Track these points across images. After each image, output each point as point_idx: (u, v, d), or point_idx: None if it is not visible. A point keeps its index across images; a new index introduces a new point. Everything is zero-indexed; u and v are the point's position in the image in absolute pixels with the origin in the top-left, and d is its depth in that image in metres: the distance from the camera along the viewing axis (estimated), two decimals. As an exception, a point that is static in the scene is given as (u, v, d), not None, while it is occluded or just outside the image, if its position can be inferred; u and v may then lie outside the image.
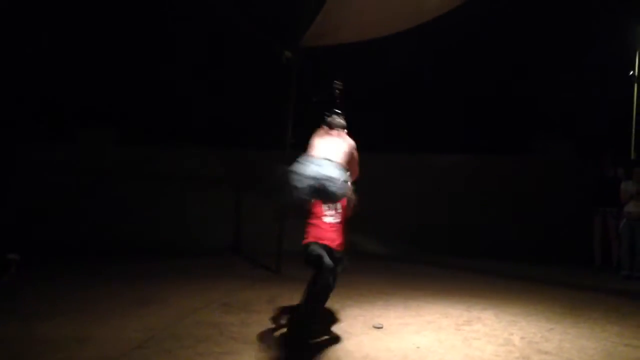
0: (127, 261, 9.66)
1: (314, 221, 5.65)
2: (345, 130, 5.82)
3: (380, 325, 5.96)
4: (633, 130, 15.34)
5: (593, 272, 9.85)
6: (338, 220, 5.69)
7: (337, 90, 5.97)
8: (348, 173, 5.40)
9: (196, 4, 12.31)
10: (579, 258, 10.48)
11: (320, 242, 5.55)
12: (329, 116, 5.85)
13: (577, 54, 14.44)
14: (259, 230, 10.83)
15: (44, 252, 9.72)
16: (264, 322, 6.02)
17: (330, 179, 4.96)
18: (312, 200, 5.33)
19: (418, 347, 5.31)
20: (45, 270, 8.64)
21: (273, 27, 9.27)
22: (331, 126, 5.78)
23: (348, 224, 5.74)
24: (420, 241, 11.32)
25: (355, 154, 5.68)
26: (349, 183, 5.42)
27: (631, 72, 13.04)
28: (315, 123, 5.86)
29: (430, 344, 5.44)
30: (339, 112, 5.89)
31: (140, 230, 11.09)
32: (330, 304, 6.78)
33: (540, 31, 14.42)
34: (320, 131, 5.77)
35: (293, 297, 7.14)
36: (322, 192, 4.99)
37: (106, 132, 11.83)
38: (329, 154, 5.35)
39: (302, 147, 5.79)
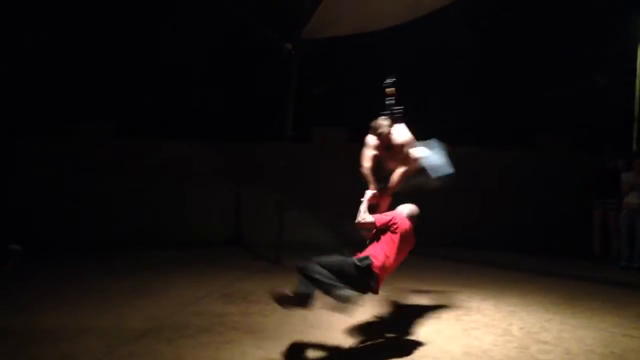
0: (127, 253, 9.70)
1: None
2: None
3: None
4: (635, 122, 15.34)
5: (592, 263, 9.88)
6: None
7: (390, 88, 5.95)
8: None
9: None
10: (579, 249, 10.52)
11: None
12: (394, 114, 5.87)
13: (577, 47, 14.43)
14: (259, 222, 10.88)
15: (44, 244, 9.76)
16: (265, 312, 6.06)
17: None
18: None
19: (417, 338, 5.34)
20: (46, 263, 8.69)
21: (274, 20, 9.27)
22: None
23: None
24: (418, 233, 11.32)
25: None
26: None
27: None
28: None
29: (429, 334, 5.47)
30: (397, 110, 5.90)
31: (140, 223, 11.13)
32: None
33: (541, 26, 14.40)
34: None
35: (293, 288, 7.18)
36: None
37: (105, 124, 11.82)
38: None
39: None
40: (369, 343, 5.17)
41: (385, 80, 5.97)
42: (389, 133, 5.60)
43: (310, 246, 10.22)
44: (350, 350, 4.97)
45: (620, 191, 9.63)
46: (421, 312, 6.28)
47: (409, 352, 4.92)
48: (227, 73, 13.63)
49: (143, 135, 11.91)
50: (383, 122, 5.62)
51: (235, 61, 13.65)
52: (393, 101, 5.90)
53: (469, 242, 11.16)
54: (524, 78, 14.33)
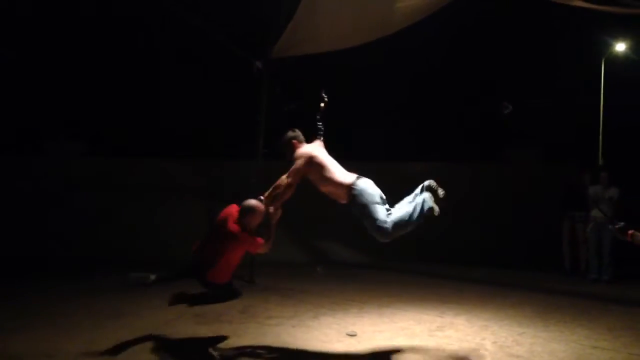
0: (97, 273, 9.50)
1: None
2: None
3: (354, 333, 5.98)
4: (600, 136, 15.67)
5: (562, 276, 10.00)
6: None
7: (322, 103, 5.92)
8: None
9: (167, 16, 12.27)
10: (549, 262, 10.63)
11: None
12: (320, 128, 5.78)
13: (544, 65, 14.72)
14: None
15: (12, 265, 9.57)
16: (237, 333, 6.01)
17: None
18: None
19: (391, 354, 5.34)
20: (15, 284, 8.50)
21: (244, 38, 9.29)
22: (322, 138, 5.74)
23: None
24: (389, 249, 11.35)
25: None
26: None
27: None
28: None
29: (403, 350, 5.47)
30: (320, 124, 5.83)
31: (110, 242, 10.98)
32: (305, 312, 6.81)
33: (507, 43, 14.69)
34: (317, 143, 5.71)
35: (266, 307, 7.15)
36: None
37: (74, 144, 11.70)
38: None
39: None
40: (343, 361, 5.15)
41: (321, 94, 5.95)
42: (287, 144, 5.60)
43: (284, 265, 10.22)
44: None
45: (587, 204, 9.77)
46: (395, 328, 6.28)
47: (383, 370, 4.91)
48: (197, 92, 13.61)
49: (112, 155, 11.82)
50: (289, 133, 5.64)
51: (206, 80, 13.65)
52: (320, 117, 5.87)
53: (438, 257, 11.20)
54: (491, 92, 14.58)
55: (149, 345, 5.54)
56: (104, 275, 9.42)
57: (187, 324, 6.34)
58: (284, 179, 5.51)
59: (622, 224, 4.02)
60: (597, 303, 7.81)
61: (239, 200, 5.67)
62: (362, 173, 5.50)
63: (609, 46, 16.10)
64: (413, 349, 5.49)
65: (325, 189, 5.44)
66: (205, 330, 6.07)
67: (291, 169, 5.46)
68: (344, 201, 5.34)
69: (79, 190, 11.08)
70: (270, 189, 5.60)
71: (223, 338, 5.80)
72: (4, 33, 12.55)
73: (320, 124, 5.78)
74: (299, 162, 5.42)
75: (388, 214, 5.15)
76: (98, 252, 10.75)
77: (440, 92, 14.66)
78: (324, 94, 5.84)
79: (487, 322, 6.51)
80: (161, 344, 5.58)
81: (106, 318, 6.53)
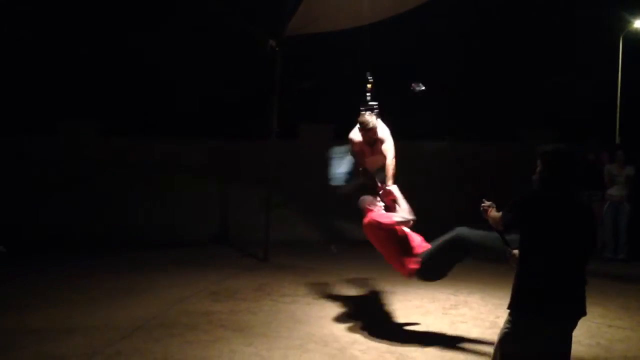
0: (112, 253, 9.62)
1: None
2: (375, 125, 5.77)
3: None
4: (617, 115, 15.48)
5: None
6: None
7: (369, 84, 6.00)
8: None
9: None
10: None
11: None
12: (376, 107, 5.92)
13: (560, 42, 14.53)
14: (246, 220, 10.82)
15: (28, 245, 9.69)
16: (252, 310, 6.05)
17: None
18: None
19: (406, 332, 5.37)
20: (32, 263, 8.61)
21: (257, 17, 9.24)
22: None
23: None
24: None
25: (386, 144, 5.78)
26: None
27: None
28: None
29: (417, 328, 5.50)
30: (374, 105, 5.95)
31: (125, 222, 11.04)
32: (319, 290, 6.84)
33: (523, 21, 14.51)
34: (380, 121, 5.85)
35: (281, 285, 7.19)
36: None
37: (88, 123, 11.71)
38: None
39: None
40: (357, 338, 5.17)
41: (365, 75, 6.02)
42: (375, 128, 5.64)
43: (298, 243, 10.26)
44: (338, 345, 4.97)
45: (603, 183, 9.70)
46: (409, 306, 6.30)
47: (397, 346, 4.93)
48: (211, 71, 13.59)
49: (126, 133, 11.83)
50: (369, 117, 5.66)
51: (220, 59, 13.62)
52: (370, 96, 5.95)
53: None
54: (507, 72, 14.44)
55: (165, 321, 5.60)
56: (119, 253, 9.53)
57: (203, 301, 6.40)
58: (392, 159, 5.77)
59: (488, 203, 3.91)
60: (612, 282, 7.77)
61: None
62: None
63: (627, 23, 15.84)
64: (427, 327, 5.51)
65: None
66: (220, 307, 6.12)
67: (391, 148, 5.80)
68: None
69: (93, 170, 11.12)
70: (391, 174, 5.74)
71: (238, 315, 5.84)
72: (19, 13, 12.58)
73: (375, 103, 5.94)
74: (391, 140, 5.82)
75: None
76: (112, 231, 10.82)
77: (455, 70, 14.53)
78: (369, 76, 5.95)
79: (501, 301, 6.48)
80: (177, 320, 5.63)
81: (122, 295, 6.61)
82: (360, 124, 5.72)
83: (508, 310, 3.32)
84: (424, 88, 5.68)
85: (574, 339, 5.13)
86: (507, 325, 3.29)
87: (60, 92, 12.80)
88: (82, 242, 10.38)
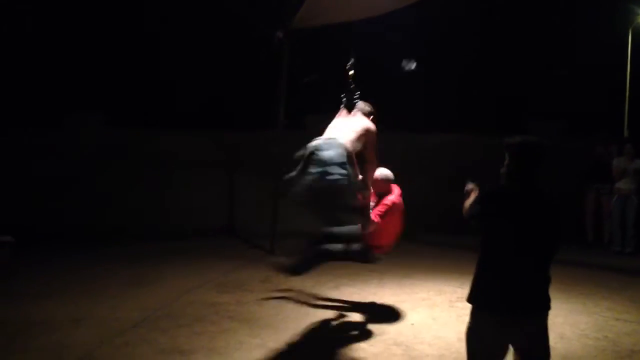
0: (120, 243, 9.63)
1: None
2: (368, 115, 5.53)
3: None
4: (626, 107, 15.40)
5: (585, 248, 9.91)
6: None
7: (350, 71, 5.85)
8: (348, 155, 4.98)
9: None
10: (571, 235, 10.54)
11: None
12: (350, 100, 5.68)
13: (569, 34, 14.44)
14: (252, 212, 10.82)
15: (37, 236, 9.72)
16: (259, 302, 6.06)
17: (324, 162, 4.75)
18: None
19: (412, 324, 5.37)
20: (39, 254, 8.64)
21: (264, 9, 9.21)
22: (350, 109, 5.64)
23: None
24: (411, 220, 11.32)
25: (371, 138, 5.29)
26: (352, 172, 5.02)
27: None
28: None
29: (424, 320, 5.50)
30: (356, 94, 5.71)
31: (131, 214, 11.02)
32: (326, 282, 6.84)
33: (530, 12, 14.42)
34: (340, 113, 5.66)
35: (287, 277, 7.18)
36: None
37: (92, 115, 11.71)
38: (336, 134, 5.10)
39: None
40: (364, 330, 5.18)
41: (347, 62, 5.85)
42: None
43: (304, 235, 10.24)
44: (345, 336, 4.98)
45: (612, 177, 9.66)
46: (415, 299, 6.30)
47: (404, 339, 4.94)
48: (217, 63, 13.56)
49: (131, 125, 11.81)
50: (366, 105, 5.56)
51: (226, 50, 13.59)
52: (353, 85, 5.77)
53: (460, 229, 11.14)
54: (514, 64, 14.36)
55: (172, 312, 5.62)
56: (125, 244, 9.55)
57: (210, 293, 6.41)
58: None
59: (471, 186, 3.78)
60: (620, 275, 7.75)
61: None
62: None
63: (635, 15, 15.72)
64: (434, 320, 5.51)
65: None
66: (227, 299, 6.14)
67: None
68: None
69: (97, 163, 11.11)
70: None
71: (245, 306, 5.86)
72: (21, 4, 12.57)
73: (358, 92, 5.74)
74: None
75: None
76: (118, 222, 10.82)
77: (459, 62, 14.46)
78: (350, 64, 5.82)
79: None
80: (184, 311, 5.65)
81: (129, 286, 6.63)
82: (368, 112, 5.53)
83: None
84: (414, 66, 5.49)
85: (580, 333, 5.17)
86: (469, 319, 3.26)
87: (65, 85, 12.79)
88: (87, 234, 10.40)
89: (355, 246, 5.47)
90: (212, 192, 11.46)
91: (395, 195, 5.66)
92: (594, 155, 10.23)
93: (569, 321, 5.47)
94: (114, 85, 13.12)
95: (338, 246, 5.48)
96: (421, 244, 9.94)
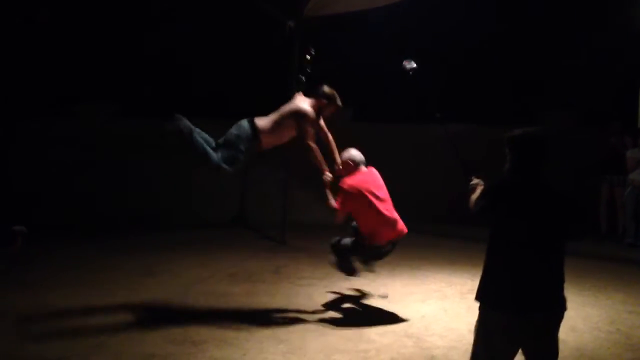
0: (131, 234, 9.63)
1: None
2: (323, 97, 5.72)
3: (385, 295, 5.99)
4: (639, 98, 15.20)
5: (598, 240, 9.82)
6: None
7: (307, 57, 5.96)
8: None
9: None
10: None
11: None
12: (300, 83, 5.99)
13: (583, 22, 14.27)
14: (263, 202, 10.82)
15: (47, 226, 9.77)
16: (270, 292, 6.07)
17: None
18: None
19: (423, 316, 5.36)
20: (50, 244, 8.67)
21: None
22: (305, 92, 5.86)
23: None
24: (421, 211, 11.27)
25: (300, 118, 5.69)
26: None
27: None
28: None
29: (435, 312, 5.49)
30: (302, 78, 6.02)
31: (143, 204, 11.04)
32: (336, 273, 6.83)
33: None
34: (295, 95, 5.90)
35: (298, 267, 7.20)
36: None
37: (106, 105, 11.73)
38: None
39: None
40: (374, 321, 5.17)
41: (310, 49, 6.09)
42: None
43: (315, 226, 10.24)
44: (357, 327, 4.98)
45: (625, 168, 9.58)
46: (426, 290, 6.28)
47: (415, 330, 4.93)
48: (228, 52, 13.52)
49: (143, 115, 11.80)
50: (323, 88, 5.62)
51: (237, 40, 13.54)
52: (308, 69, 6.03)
53: (471, 220, 11.08)
54: (527, 52, 14.21)
55: (183, 302, 5.64)
56: (136, 235, 9.56)
57: (221, 283, 6.43)
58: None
59: (476, 181, 3.76)
60: (633, 268, 7.69)
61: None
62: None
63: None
64: (445, 312, 5.50)
65: None
66: (238, 289, 6.16)
67: None
68: None
69: (110, 152, 11.14)
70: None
71: (255, 297, 5.87)
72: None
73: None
74: None
75: None
76: (130, 212, 10.85)
77: (470, 50, 14.31)
78: (311, 52, 6.04)
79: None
80: (195, 301, 5.67)
81: (141, 276, 6.66)
82: (331, 96, 5.68)
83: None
84: (415, 66, 5.52)
85: (592, 325, 5.14)
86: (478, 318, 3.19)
87: (78, 75, 12.79)
88: (100, 224, 10.44)
89: (347, 240, 5.59)
90: (223, 182, 11.45)
91: (355, 179, 5.53)
92: (608, 146, 10.14)
93: (581, 314, 5.43)
94: (126, 76, 13.11)
95: (347, 240, 5.58)
96: (435, 235, 9.89)
